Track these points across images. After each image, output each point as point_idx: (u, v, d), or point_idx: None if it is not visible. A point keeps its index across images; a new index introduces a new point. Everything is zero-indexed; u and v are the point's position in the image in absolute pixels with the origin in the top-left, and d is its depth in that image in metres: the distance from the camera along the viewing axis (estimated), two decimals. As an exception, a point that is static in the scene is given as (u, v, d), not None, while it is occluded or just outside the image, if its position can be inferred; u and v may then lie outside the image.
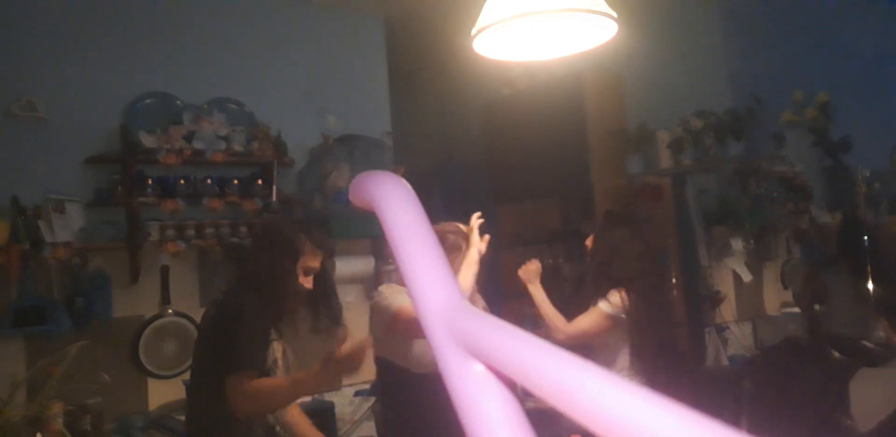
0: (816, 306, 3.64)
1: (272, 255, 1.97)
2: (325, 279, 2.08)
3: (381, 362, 2.34)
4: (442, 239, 2.11)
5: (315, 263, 2.00)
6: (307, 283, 1.99)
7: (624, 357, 2.52)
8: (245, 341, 1.85)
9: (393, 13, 4.15)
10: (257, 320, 1.90)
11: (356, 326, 2.34)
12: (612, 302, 2.50)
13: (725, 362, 3.73)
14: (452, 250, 2.33)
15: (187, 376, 3.20)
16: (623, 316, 2.49)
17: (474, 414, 0.41)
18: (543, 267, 2.73)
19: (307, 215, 3.42)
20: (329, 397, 3.30)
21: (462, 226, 2.42)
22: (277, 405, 1.94)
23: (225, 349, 1.84)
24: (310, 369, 1.76)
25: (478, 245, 2.29)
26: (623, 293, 2.50)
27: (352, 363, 1.73)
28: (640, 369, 2.48)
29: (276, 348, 1.99)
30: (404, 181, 0.55)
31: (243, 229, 3.32)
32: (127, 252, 3.12)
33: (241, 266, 2.09)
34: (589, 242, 2.68)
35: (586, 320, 2.53)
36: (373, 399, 3.46)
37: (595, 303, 2.54)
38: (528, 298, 2.68)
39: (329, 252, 2.09)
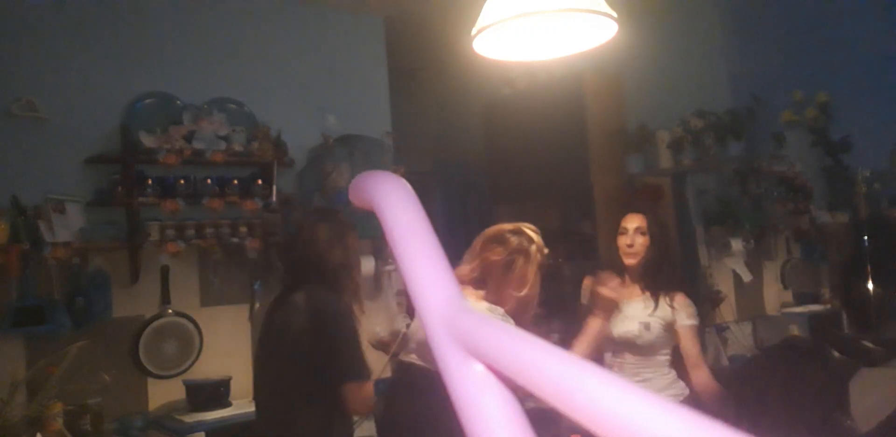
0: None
1: (342, 250, 2.04)
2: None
3: (401, 364, 2.31)
4: (502, 241, 2.06)
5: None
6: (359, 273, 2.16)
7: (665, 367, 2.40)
8: (355, 346, 1.89)
9: (393, 13, 4.15)
10: (353, 320, 1.95)
11: (363, 327, 2.33)
12: (693, 312, 2.34)
13: (725, 362, 3.73)
14: (517, 253, 2.04)
15: (187, 376, 3.21)
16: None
17: (474, 414, 0.41)
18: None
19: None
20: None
21: (525, 226, 2.15)
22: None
23: (334, 358, 1.85)
24: None
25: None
26: (688, 299, 2.36)
27: None
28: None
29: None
30: (404, 181, 0.55)
31: (243, 229, 3.32)
32: (127, 252, 3.12)
33: (306, 264, 2.06)
34: (637, 226, 2.40)
35: (696, 344, 2.32)
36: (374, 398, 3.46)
37: (656, 309, 2.33)
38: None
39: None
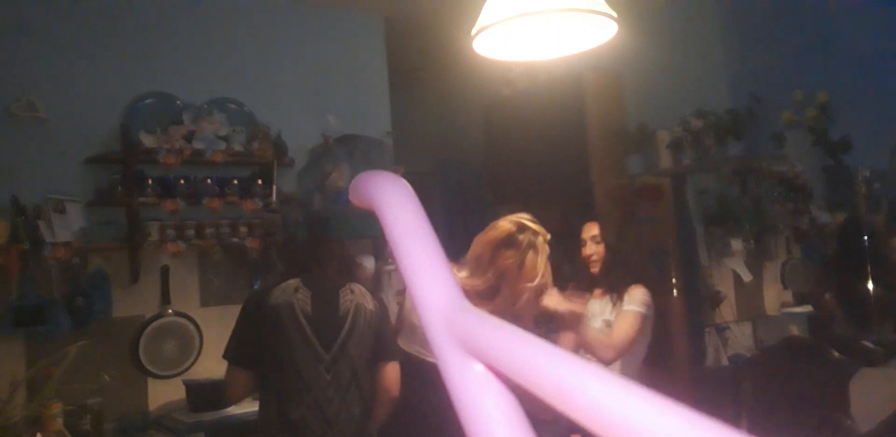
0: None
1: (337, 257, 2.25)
2: None
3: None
4: (512, 243, 2.05)
5: None
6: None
7: (635, 359, 2.45)
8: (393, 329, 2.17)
9: (393, 13, 4.15)
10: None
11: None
12: (641, 300, 2.40)
13: (725, 362, 3.73)
14: (528, 249, 2.05)
15: (187, 376, 3.21)
16: (650, 314, 2.41)
17: (474, 414, 0.41)
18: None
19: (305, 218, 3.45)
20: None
21: (525, 219, 2.15)
22: None
23: (385, 339, 2.13)
24: None
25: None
26: (645, 289, 2.44)
27: None
28: (651, 368, 2.46)
29: None
30: (404, 181, 0.55)
31: (243, 229, 3.32)
32: (127, 252, 3.12)
33: (338, 259, 2.27)
34: (592, 235, 2.56)
35: (626, 328, 2.35)
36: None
37: (616, 304, 2.43)
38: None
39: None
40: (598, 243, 2.55)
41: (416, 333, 2.17)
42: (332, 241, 2.35)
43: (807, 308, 4.10)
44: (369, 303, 2.18)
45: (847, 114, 3.83)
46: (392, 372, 2.15)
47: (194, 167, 3.29)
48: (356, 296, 2.18)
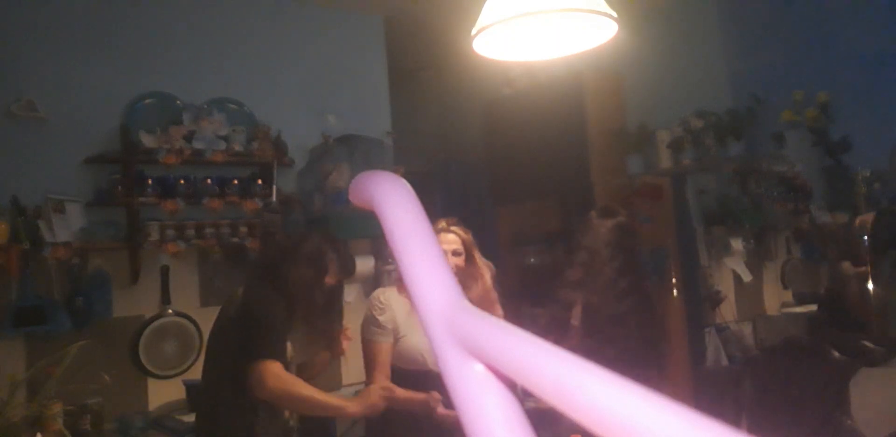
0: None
1: (303, 269, 2.07)
2: (333, 297, 2.20)
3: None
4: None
5: (332, 281, 2.13)
6: (321, 298, 2.10)
7: None
8: (274, 332, 1.98)
9: (393, 13, 4.15)
10: (282, 316, 2.02)
11: (356, 325, 2.33)
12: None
13: (725, 362, 3.73)
14: (455, 256, 2.19)
15: (187, 376, 3.21)
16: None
17: (474, 414, 0.41)
18: (544, 267, 2.62)
19: (306, 219, 3.43)
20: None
21: (457, 228, 2.24)
22: (294, 405, 2.05)
23: (252, 339, 1.95)
24: (344, 398, 2.04)
25: None
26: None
27: (374, 409, 2.01)
28: None
29: (289, 350, 2.09)
30: (404, 181, 0.55)
31: (243, 229, 3.32)
32: (127, 252, 3.12)
33: (268, 270, 2.15)
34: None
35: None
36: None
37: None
38: (528, 298, 2.65)
39: (347, 275, 2.23)
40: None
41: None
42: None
43: (807, 308, 4.10)
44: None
45: (847, 114, 3.83)
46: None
47: (194, 167, 3.29)
48: None
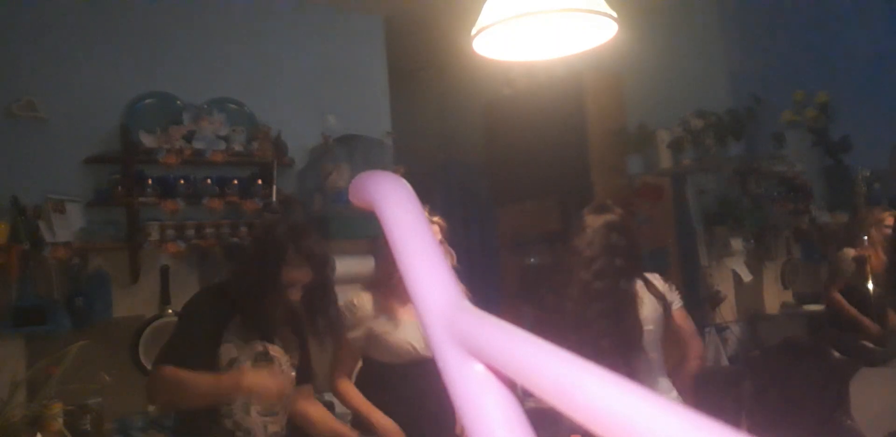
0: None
1: (253, 261, 1.93)
2: (324, 290, 1.97)
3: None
4: None
5: (300, 275, 1.88)
6: (293, 294, 1.90)
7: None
8: (180, 337, 1.86)
9: (393, 13, 4.15)
10: (202, 318, 1.87)
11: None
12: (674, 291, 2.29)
13: (725, 362, 3.73)
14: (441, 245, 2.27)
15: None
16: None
17: (474, 414, 0.41)
18: (545, 267, 2.61)
19: (306, 219, 3.41)
20: (329, 397, 3.30)
21: (437, 218, 2.27)
22: (189, 400, 1.85)
23: (164, 344, 1.88)
24: (235, 372, 1.79)
25: None
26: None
27: (266, 388, 1.78)
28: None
29: (231, 350, 1.87)
30: (404, 181, 0.55)
31: (243, 229, 3.32)
32: (127, 252, 3.12)
33: (233, 266, 2.08)
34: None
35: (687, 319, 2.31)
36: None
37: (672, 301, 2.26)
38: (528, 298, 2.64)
39: (318, 265, 1.91)
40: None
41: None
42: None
43: (808, 308, 4.10)
44: None
45: (847, 114, 3.83)
46: None
47: (194, 167, 3.29)
48: None
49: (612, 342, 2.05)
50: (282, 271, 1.85)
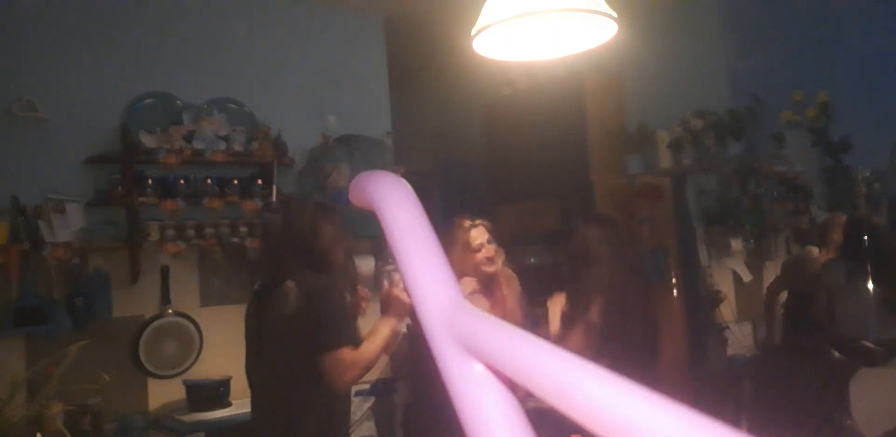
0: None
1: (324, 237, 2.13)
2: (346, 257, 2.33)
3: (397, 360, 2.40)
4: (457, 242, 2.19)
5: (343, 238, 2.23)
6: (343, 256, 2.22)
7: None
8: (340, 318, 2.02)
9: (393, 13, 4.15)
10: (341, 296, 2.08)
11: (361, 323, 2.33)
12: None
13: (725, 362, 3.73)
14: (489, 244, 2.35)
15: (187, 376, 3.21)
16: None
17: (474, 414, 0.41)
18: (545, 267, 2.68)
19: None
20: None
21: (481, 221, 2.43)
22: (370, 366, 2.07)
23: (319, 331, 1.98)
24: (379, 322, 2.06)
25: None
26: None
27: (399, 299, 2.04)
28: None
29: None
30: (404, 181, 0.55)
31: (243, 229, 3.32)
32: (127, 252, 3.12)
33: (291, 252, 2.16)
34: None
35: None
36: (373, 399, 3.46)
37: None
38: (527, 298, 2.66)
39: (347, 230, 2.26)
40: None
41: None
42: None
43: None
44: None
45: (847, 114, 3.83)
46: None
47: (194, 167, 3.29)
48: None
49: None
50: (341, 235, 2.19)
